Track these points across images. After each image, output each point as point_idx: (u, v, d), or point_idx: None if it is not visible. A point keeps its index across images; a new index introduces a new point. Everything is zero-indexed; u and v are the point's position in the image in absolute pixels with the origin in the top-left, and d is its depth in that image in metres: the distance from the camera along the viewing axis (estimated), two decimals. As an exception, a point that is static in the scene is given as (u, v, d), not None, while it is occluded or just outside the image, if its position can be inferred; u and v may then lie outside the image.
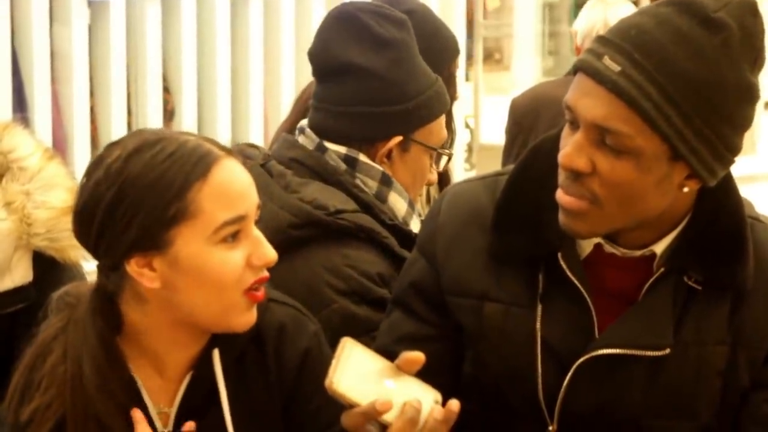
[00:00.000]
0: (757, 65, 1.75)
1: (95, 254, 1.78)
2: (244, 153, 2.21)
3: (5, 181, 2.17)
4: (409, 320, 1.95)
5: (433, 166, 2.36)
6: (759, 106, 1.80)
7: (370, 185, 2.24)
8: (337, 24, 2.27)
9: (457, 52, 2.98)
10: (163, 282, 1.73)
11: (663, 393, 1.83)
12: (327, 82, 2.27)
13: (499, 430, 1.91)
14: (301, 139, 2.29)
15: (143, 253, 1.72)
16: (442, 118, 2.32)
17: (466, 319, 1.90)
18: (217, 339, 1.81)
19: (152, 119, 5.10)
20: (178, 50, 5.23)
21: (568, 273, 1.83)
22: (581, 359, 1.82)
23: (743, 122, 1.75)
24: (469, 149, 7.70)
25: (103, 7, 4.99)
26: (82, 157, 4.87)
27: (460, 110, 6.02)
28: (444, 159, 2.44)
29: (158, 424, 1.80)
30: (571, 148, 1.75)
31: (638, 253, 1.84)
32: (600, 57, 1.73)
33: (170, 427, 1.81)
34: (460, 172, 6.19)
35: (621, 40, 1.72)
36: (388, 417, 1.65)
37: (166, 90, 5.27)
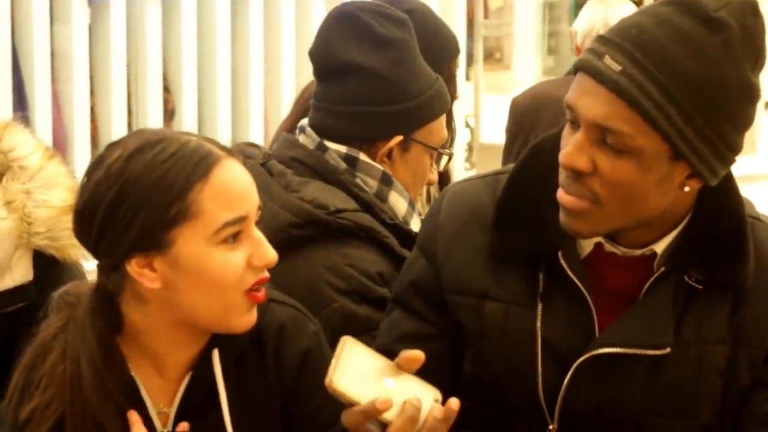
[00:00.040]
0: (758, 65, 1.75)
1: (96, 254, 1.78)
2: (244, 152, 2.21)
3: (5, 180, 2.17)
4: (410, 319, 1.95)
5: (434, 165, 2.36)
6: (759, 106, 1.80)
7: (371, 184, 2.24)
8: (338, 23, 2.28)
9: (457, 51, 2.97)
10: (164, 282, 1.73)
11: (663, 392, 1.84)
12: (328, 81, 2.27)
13: (499, 429, 1.91)
14: (301, 138, 2.29)
15: (144, 254, 1.72)
16: (443, 118, 2.32)
17: (467, 318, 1.90)
18: (217, 339, 1.81)
19: (152, 119, 5.10)
20: (179, 50, 5.23)
21: (569, 272, 1.83)
22: (582, 358, 1.82)
23: (744, 121, 1.75)
24: (470, 148, 7.69)
25: (103, 7, 4.98)
26: (82, 157, 4.87)
27: (460, 109, 6.01)
28: (444, 158, 2.44)
29: (157, 424, 1.80)
30: (571, 148, 1.75)
31: (639, 252, 1.84)
32: (601, 56, 1.73)
33: (170, 427, 1.80)
34: (460, 171, 6.19)
35: (622, 39, 1.72)
36: (388, 415, 1.65)
37: (167, 89, 5.27)
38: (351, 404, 1.66)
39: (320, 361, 1.81)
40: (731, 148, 1.75)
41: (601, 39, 1.76)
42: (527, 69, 8.78)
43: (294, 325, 1.86)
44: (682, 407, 1.85)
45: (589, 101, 1.73)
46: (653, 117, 1.69)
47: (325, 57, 2.27)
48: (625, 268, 1.85)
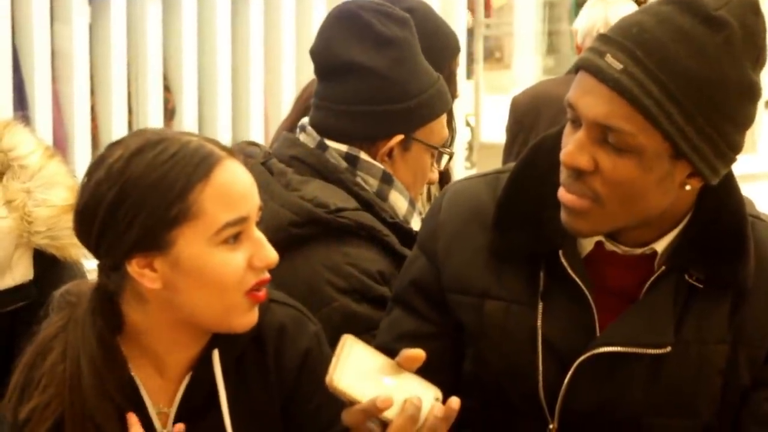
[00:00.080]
0: (759, 63, 1.75)
1: (96, 254, 1.77)
2: (245, 151, 2.21)
3: (6, 179, 2.17)
4: (410, 318, 1.95)
5: (434, 164, 2.36)
6: (760, 105, 1.80)
7: (371, 183, 2.24)
8: (339, 22, 2.27)
9: (457, 50, 2.97)
10: (164, 283, 1.73)
11: (664, 391, 1.83)
12: (329, 80, 2.27)
13: (499, 427, 1.91)
14: (302, 137, 2.29)
15: (144, 254, 1.72)
16: (444, 117, 2.32)
17: (467, 317, 1.90)
18: (218, 339, 1.81)
19: (153, 118, 5.09)
20: (179, 49, 5.23)
21: (569, 271, 1.83)
22: (582, 357, 1.82)
23: (745, 120, 1.75)
24: (470, 148, 7.69)
25: (103, 6, 4.98)
26: (82, 156, 4.87)
27: (460, 109, 6.01)
28: (445, 158, 2.44)
29: (157, 424, 1.80)
30: (573, 147, 1.74)
31: (639, 251, 1.84)
32: (602, 55, 1.73)
33: (169, 427, 1.80)
34: (460, 170, 6.18)
35: (623, 38, 1.72)
36: (388, 414, 1.65)
37: (167, 89, 5.26)
38: (351, 403, 1.66)
39: (320, 361, 1.81)
40: (732, 147, 1.75)
41: (602, 38, 1.76)
42: (527, 68, 8.78)
43: (294, 325, 1.86)
44: (683, 406, 1.85)
45: (591, 100, 1.73)
46: (654, 115, 1.69)
47: (326, 56, 2.27)
48: (626, 267, 1.85)
